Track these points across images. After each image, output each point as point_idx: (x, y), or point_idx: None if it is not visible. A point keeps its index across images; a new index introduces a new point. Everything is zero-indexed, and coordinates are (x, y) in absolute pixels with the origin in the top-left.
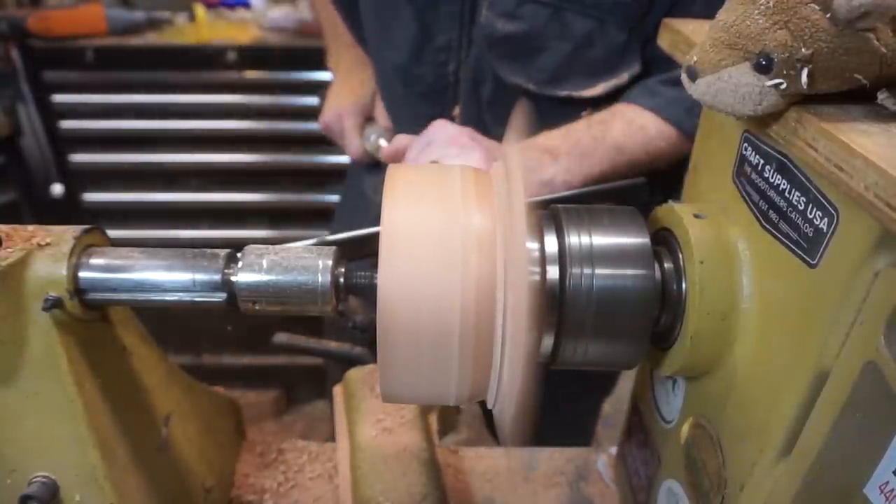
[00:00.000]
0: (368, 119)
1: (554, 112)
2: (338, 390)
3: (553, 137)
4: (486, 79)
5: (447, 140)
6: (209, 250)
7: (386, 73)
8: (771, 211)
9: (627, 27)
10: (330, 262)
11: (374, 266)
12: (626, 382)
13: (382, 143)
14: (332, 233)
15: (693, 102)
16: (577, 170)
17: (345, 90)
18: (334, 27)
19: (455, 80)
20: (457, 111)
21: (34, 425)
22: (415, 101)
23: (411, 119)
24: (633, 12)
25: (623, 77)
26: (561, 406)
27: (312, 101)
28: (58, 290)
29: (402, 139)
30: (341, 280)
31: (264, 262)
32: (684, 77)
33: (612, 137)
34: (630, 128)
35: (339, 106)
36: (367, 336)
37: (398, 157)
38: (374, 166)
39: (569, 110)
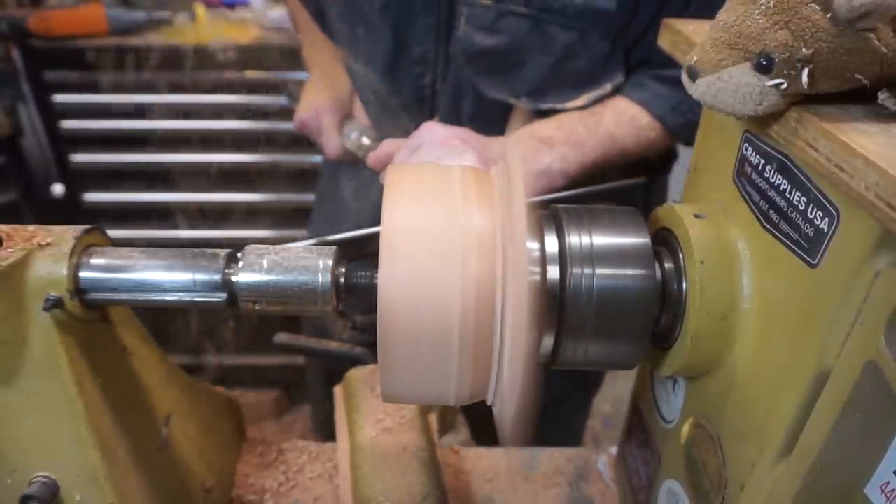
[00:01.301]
0: (347, 116)
1: None
2: (338, 390)
3: (547, 127)
4: (467, 94)
5: (437, 142)
6: (209, 250)
7: (362, 82)
8: (771, 211)
9: (610, 37)
10: (330, 262)
11: (375, 266)
12: (625, 382)
13: (365, 140)
14: (309, 237)
15: (677, 100)
16: (572, 157)
17: (321, 87)
18: (307, 22)
19: (432, 94)
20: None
21: (34, 425)
22: (391, 112)
23: (389, 128)
24: (615, 22)
25: (606, 87)
26: (549, 405)
27: None
28: (58, 290)
29: (388, 144)
30: (341, 280)
31: (264, 262)
32: (685, 77)
33: (604, 127)
34: (622, 118)
35: (316, 103)
36: (366, 336)
37: (385, 162)
38: (350, 170)
39: None
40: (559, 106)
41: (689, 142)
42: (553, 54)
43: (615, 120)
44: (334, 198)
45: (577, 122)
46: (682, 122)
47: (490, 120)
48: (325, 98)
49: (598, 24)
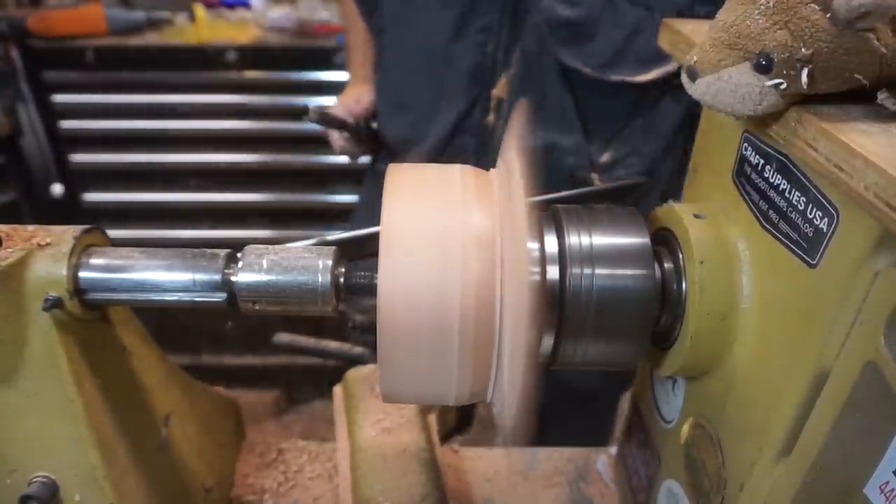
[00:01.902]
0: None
1: (608, 95)
2: (338, 390)
3: None
4: (535, 64)
5: None
6: (209, 250)
7: (420, 53)
8: (771, 211)
9: (675, 15)
10: (330, 262)
11: (375, 266)
12: None
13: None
14: (351, 228)
15: None
16: None
17: (345, 93)
18: (354, 44)
19: (493, 62)
20: (495, 91)
21: (34, 425)
22: (452, 81)
23: (448, 99)
24: (680, 1)
25: (674, 64)
26: (581, 403)
27: (312, 101)
28: (58, 290)
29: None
30: (341, 280)
31: (264, 262)
32: (684, 77)
33: None
34: None
35: (334, 108)
36: (366, 336)
37: None
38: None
39: (623, 94)
40: (628, 79)
41: None
42: (623, 29)
43: None
44: (371, 199)
45: None
46: None
47: (560, 90)
48: (340, 102)
49: (664, 2)
